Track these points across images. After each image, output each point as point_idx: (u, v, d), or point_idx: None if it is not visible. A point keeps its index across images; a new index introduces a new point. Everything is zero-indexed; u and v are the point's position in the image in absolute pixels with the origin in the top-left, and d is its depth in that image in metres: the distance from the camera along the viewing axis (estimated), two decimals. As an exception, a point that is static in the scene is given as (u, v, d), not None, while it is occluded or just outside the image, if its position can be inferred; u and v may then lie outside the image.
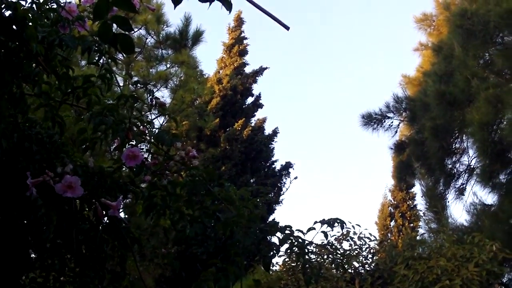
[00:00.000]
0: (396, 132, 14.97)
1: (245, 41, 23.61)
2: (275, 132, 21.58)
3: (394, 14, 49.10)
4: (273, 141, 21.36)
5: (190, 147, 3.15)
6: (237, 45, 23.31)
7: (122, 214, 3.57)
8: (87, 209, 3.30)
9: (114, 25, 2.18)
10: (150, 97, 3.21)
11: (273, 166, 21.00)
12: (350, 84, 49.04)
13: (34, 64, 3.06)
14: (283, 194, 20.44)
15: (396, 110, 14.81)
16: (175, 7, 1.95)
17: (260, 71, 23.01)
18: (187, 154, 3.12)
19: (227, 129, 20.46)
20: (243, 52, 23.34)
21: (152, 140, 3.30)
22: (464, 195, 13.03)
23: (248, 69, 23.14)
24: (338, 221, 3.26)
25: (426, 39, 16.59)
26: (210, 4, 1.97)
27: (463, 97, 11.71)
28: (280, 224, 3.36)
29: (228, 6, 2.01)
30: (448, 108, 12.08)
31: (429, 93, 12.72)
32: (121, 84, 13.61)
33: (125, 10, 2.11)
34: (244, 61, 23.18)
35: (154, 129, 3.33)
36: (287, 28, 2.15)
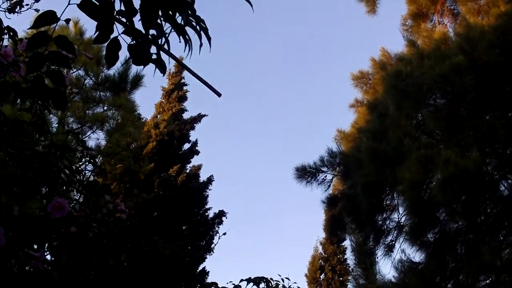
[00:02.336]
0: (329, 186, 15.13)
1: (185, 87, 23.67)
2: (210, 180, 21.55)
3: (333, 71, 50.12)
4: (207, 188, 21.32)
5: (119, 200, 3.13)
6: (176, 91, 23.34)
7: (48, 256, 3.48)
8: (9, 258, 3.22)
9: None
10: (81, 148, 3.18)
11: (206, 214, 20.91)
12: (287, 136, 49.54)
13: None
14: (215, 245, 20.31)
15: (330, 164, 14.99)
16: (109, 68, 1.97)
17: (198, 118, 23.06)
18: (116, 207, 3.10)
19: (162, 175, 20.31)
20: (182, 98, 23.38)
21: (81, 190, 3.27)
22: (393, 251, 13.19)
23: (186, 115, 23.18)
24: (263, 279, 3.27)
25: (362, 96, 16.93)
26: (144, 67, 1.99)
27: (395, 155, 11.94)
28: (210, 273, 3.35)
29: (162, 69, 2.04)
30: (380, 165, 12.29)
31: (363, 149, 12.93)
32: (56, 124, 13.41)
33: (60, 66, 2.11)
34: (182, 107, 23.20)
35: (84, 178, 3.30)
36: (219, 95, 2.18)
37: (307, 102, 50.27)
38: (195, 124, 22.96)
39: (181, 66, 2.02)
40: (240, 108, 48.98)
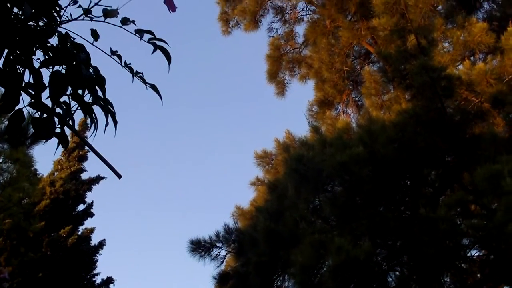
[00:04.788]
0: (222, 262, 15.00)
1: (86, 147, 23.23)
2: (101, 244, 21.03)
3: (237, 147, 50.59)
4: (98, 253, 20.78)
5: (2, 267, 3.01)
6: (77, 150, 22.87)
7: None
8: None
9: None
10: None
11: (94, 279, 20.31)
12: (187, 209, 49.26)
13: None
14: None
15: (226, 240, 14.92)
16: (10, 140, 1.93)
17: (97, 179, 22.61)
18: (-1, 275, 2.98)
19: (52, 234, 19.67)
20: (82, 158, 22.91)
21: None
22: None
23: (85, 176, 22.70)
24: None
25: (264, 175, 17.12)
26: (46, 141, 1.96)
27: (290, 237, 12.03)
28: None
29: (65, 144, 2.02)
30: (274, 246, 12.34)
31: (259, 228, 12.96)
32: None
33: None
34: (82, 167, 22.73)
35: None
36: (119, 176, 2.17)
37: (210, 175, 50.40)
38: (92, 186, 22.50)
39: (85, 144, 2.01)
40: (142, 175, 48.48)
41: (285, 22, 19.04)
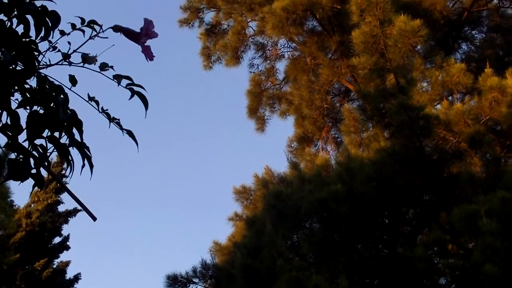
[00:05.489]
0: (199, 298, 14.87)
1: (64, 179, 23.06)
2: (76, 278, 20.78)
3: (217, 181, 50.47)
4: (73, 286, 20.52)
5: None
6: (55, 182, 22.68)
7: None
8: None
9: None
10: None
11: (68, 313, 20.05)
12: (165, 242, 48.88)
13: None
14: None
15: (203, 276, 14.80)
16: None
17: (73, 212, 22.40)
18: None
19: (27, 267, 19.41)
20: (60, 190, 22.70)
21: None
22: None
23: (62, 208, 22.49)
24: None
25: (242, 211, 17.04)
26: (22, 182, 1.96)
27: (267, 275, 11.96)
28: None
29: (41, 185, 2.02)
30: (252, 283, 12.25)
31: (236, 265, 12.88)
32: None
33: None
34: (59, 199, 22.51)
35: None
36: (94, 219, 2.17)
37: (189, 210, 50.21)
38: (69, 218, 22.28)
39: (61, 186, 2.02)
40: (120, 211, 48.16)
41: (266, 59, 19.19)
